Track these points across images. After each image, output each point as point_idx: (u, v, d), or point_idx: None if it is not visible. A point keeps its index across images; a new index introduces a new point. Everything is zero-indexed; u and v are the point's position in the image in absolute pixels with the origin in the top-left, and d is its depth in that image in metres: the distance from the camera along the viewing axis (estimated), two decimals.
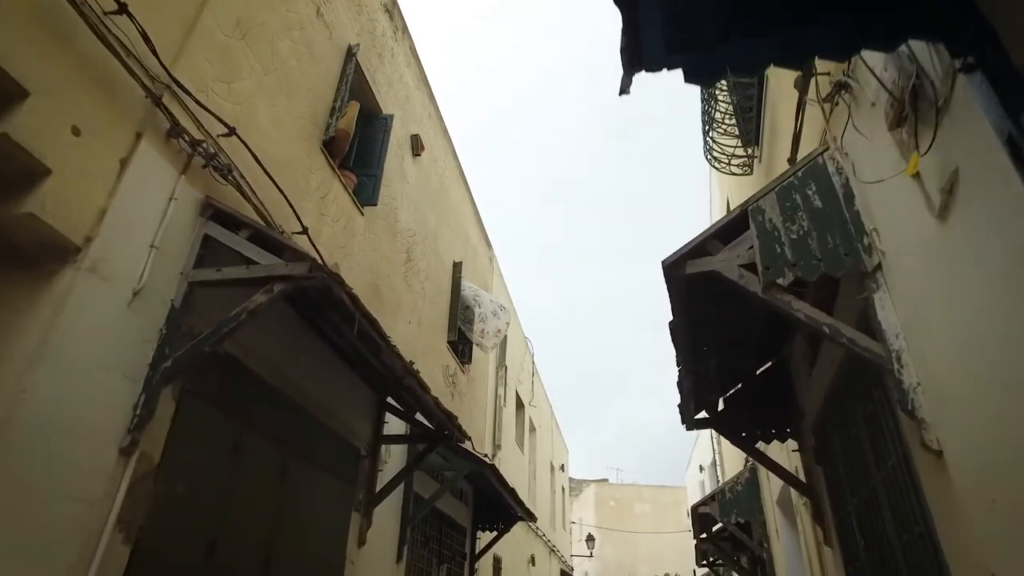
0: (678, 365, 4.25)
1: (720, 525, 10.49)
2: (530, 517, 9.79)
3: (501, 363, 12.43)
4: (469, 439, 6.57)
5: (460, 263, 9.78)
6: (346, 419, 5.76)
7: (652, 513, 29.30)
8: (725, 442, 12.74)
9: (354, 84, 6.57)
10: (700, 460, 18.95)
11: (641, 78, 1.76)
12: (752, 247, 3.09)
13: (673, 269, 3.18)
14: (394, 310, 7.13)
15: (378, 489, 6.04)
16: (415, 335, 7.77)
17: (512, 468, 12.75)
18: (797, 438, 5.12)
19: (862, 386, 3.34)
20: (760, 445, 5.43)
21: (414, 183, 8.12)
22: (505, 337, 12.53)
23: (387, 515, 6.46)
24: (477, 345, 9.87)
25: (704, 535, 10.39)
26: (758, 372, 5.38)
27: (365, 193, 6.61)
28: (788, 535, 6.94)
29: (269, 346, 4.53)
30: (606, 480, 33.98)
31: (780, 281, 2.93)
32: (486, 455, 10.20)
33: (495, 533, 9.70)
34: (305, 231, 4.96)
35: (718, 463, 15.16)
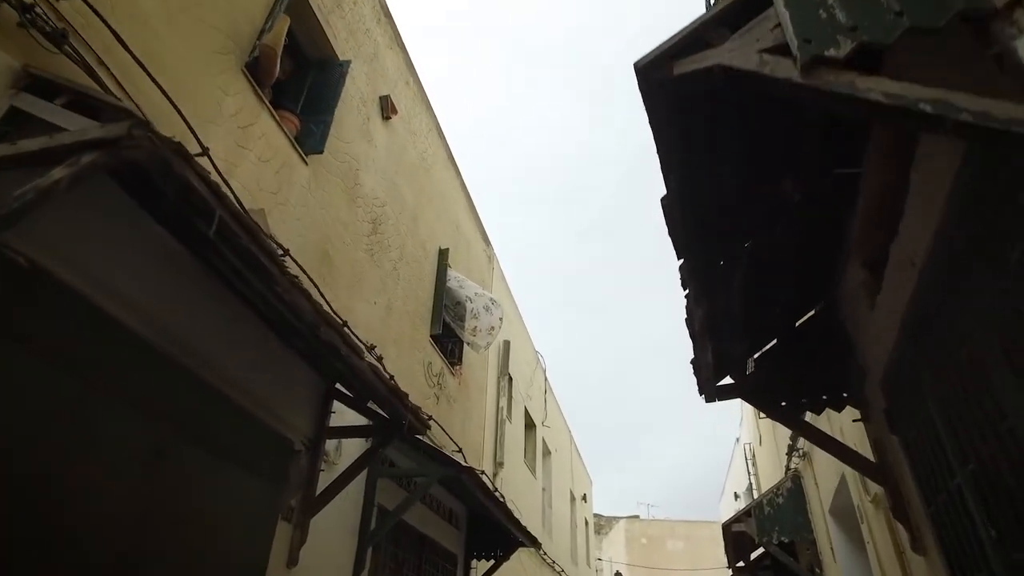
0: (683, 284, 2.99)
1: (760, 551, 8.92)
2: (532, 542, 8.36)
3: (504, 372, 11.15)
4: (427, 427, 5.31)
5: (447, 250, 8.66)
6: (274, 402, 4.57)
7: (686, 550, 27.09)
8: (763, 458, 11.17)
9: (300, 18, 5.63)
10: (735, 487, 17.19)
11: None
12: (779, 24, 1.89)
13: (651, 72, 1.98)
14: (351, 284, 5.99)
15: (320, 493, 4.80)
16: (382, 319, 6.61)
17: (520, 491, 11.32)
18: (858, 405, 3.77)
19: (996, 234, 2.00)
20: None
21: (383, 149, 7.09)
22: (507, 344, 11.30)
23: (336, 530, 5.19)
24: (469, 344, 8.67)
25: (741, 564, 8.82)
26: (797, 324, 4.07)
27: (311, 141, 5.57)
28: (849, 552, 5.47)
29: (143, 287, 3.40)
30: (637, 517, 31.87)
31: (832, 53, 1.72)
32: (482, 471, 8.86)
33: (492, 562, 8.28)
34: (205, 152, 3.87)
35: (754, 487, 13.49)
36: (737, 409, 17.48)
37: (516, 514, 9.83)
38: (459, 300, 8.61)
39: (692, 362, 3.75)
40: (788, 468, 7.18)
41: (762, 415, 9.38)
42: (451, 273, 8.58)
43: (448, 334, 8.70)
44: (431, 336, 7.91)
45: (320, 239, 5.53)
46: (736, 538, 7.32)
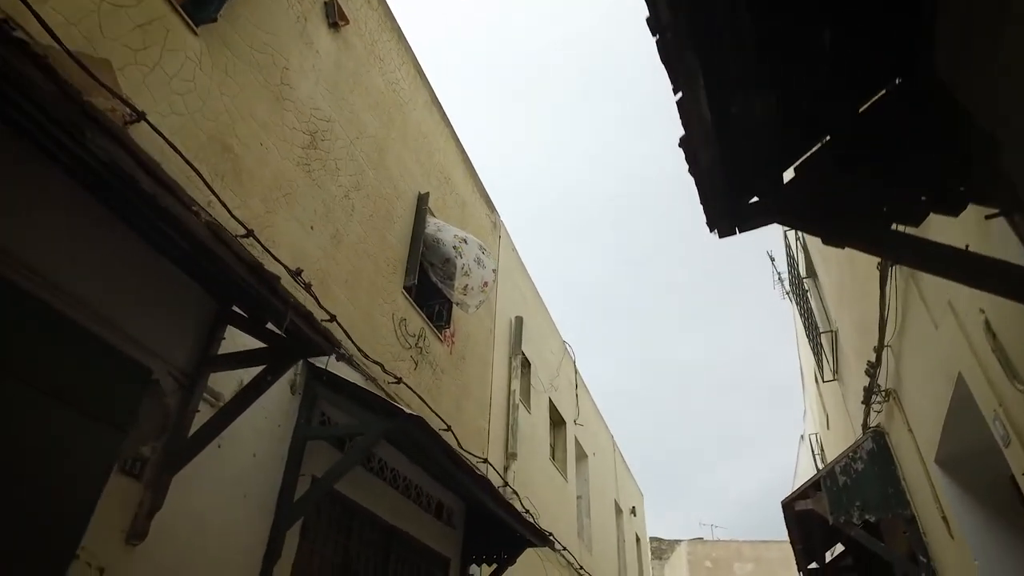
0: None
1: (839, 550, 7.06)
2: (541, 540, 6.75)
3: (516, 351, 9.66)
4: (336, 347, 3.88)
5: (427, 194, 7.36)
6: (125, 316, 3.30)
7: (756, 573, 24.36)
8: (833, 443, 9.23)
9: None
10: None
11: None
12: None
13: None
14: (271, 195, 4.72)
15: (188, 440, 3.44)
16: (325, 250, 5.31)
17: (543, 491, 9.70)
18: (988, 196, 2.16)
19: None
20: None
21: (328, 60, 5.89)
22: (520, 320, 9.85)
23: (231, 500, 3.82)
24: (458, 305, 7.28)
25: (815, 566, 6.97)
26: (861, 111, 2.51)
27: (204, 10, 4.40)
28: (981, 520, 3.70)
29: None
30: (700, 539, 29.23)
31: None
32: (484, 460, 7.37)
33: (495, 567, 6.70)
34: None
35: None
36: (799, 401, 15.43)
37: (534, 515, 8.24)
38: (448, 257, 7.26)
39: (691, 171, 2.27)
40: (865, 424, 5.40)
41: (826, 378, 7.59)
42: (433, 220, 7.26)
43: (435, 295, 7.35)
44: (404, 288, 6.56)
45: (218, 128, 4.30)
46: (802, 519, 5.55)
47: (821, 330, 6.90)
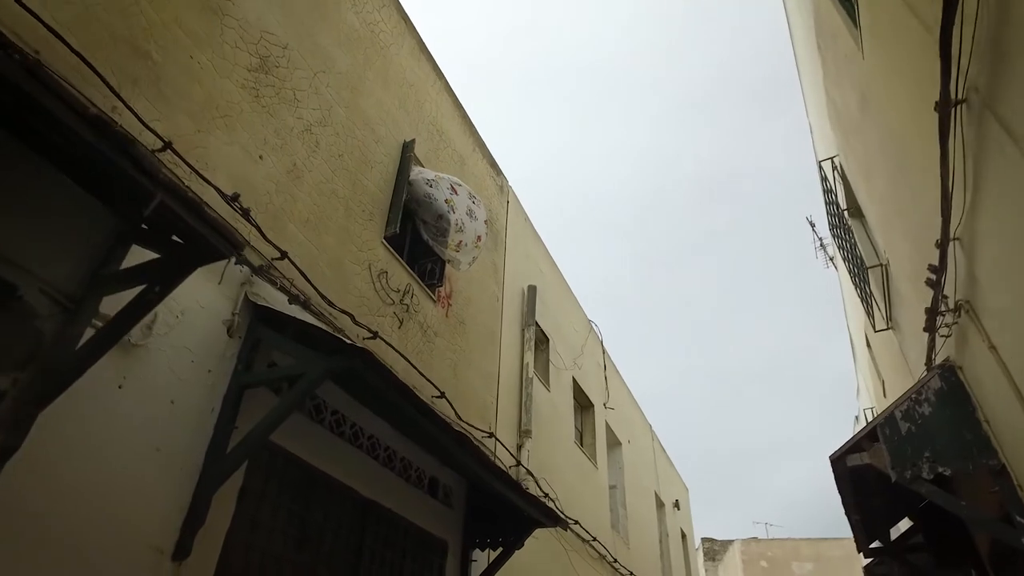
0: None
1: (906, 526, 6.04)
2: (552, 520, 5.91)
3: (529, 322, 8.86)
4: (237, 247, 3.12)
5: (412, 142, 6.67)
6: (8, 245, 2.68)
7: (816, 573, 22.72)
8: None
9: None
10: None
11: None
12: None
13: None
14: (197, 110, 4.09)
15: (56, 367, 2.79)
16: (277, 183, 4.66)
17: (566, 475, 8.85)
18: None
19: None
20: None
21: None
22: (533, 289, 9.07)
23: (137, 453, 3.15)
24: (450, 262, 6.56)
25: (877, 544, 5.95)
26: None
27: None
28: None
29: None
30: (754, 538, 27.65)
31: None
32: (490, 434, 6.60)
33: (500, 551, 5.89)
34: None
35: None
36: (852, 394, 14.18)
37: (555, 499, 7.41)
38: (440, 213, 6.56)
39: None
40: (930, 358, 4.40)
41: (879, 327, 6.55)
42: (418, 169, 6.56)
43: (428, 253, 6.65)
44: (385, 238, 5.87)
45: (129, 30, 3.69)
46: (857, 481, 4.56)
47: (868, 265, 5.89)
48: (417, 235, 6.63)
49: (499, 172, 9.34)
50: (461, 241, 6.71)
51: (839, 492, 4.70)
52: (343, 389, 4.46)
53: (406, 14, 7.36)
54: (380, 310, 5.53)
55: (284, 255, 4.34)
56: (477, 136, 8.77)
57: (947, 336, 4.01)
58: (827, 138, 6.97)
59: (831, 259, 13.33)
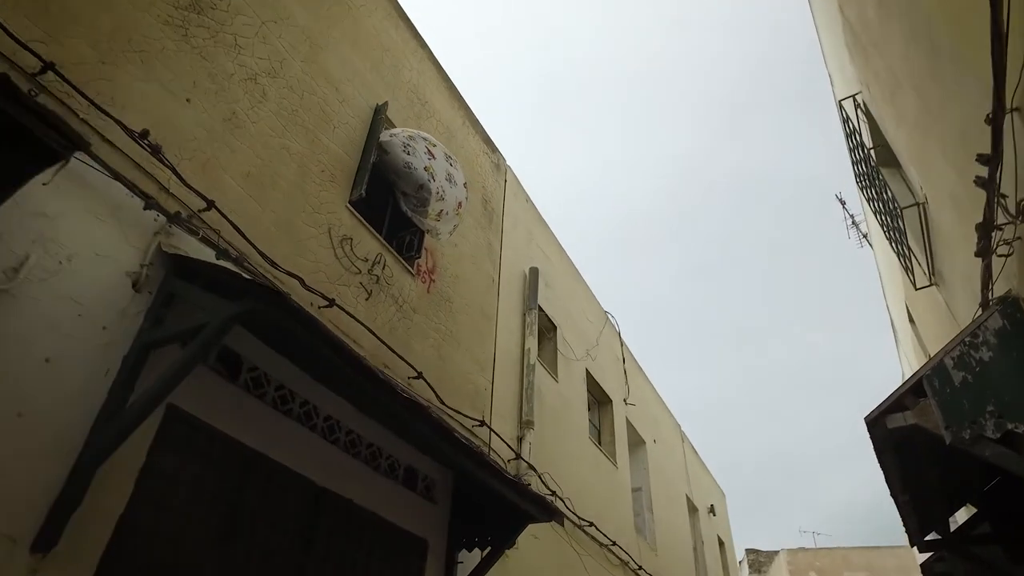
0: None
1: (967, 514, 5.16)
2: (545, 513, 5.19)
3: (531, 306, 8.18)
4: (68, 144, 2.52)
5: (384, 104, 6.12)
6: None
7: None
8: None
9: None
10: None
11: None
12: None
13: None
14: (102, 39, 3.59)
15: None
16: (210, 129, 4.13)
17: (578, 471, 8.09)
18: None
19: None
20: None
21: None
22: (535, 272, 8.42)
23: None
24: (429, 232, 5.97)
25: (934, 536, 5.08)
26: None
27: None
28: None
29: None
30: (801, 548, 26.14)
31: None
32: (480, 422, 5.94)
33: (488, 550, 5.18)
34: None
35: None
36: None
37: (565, 498, 6.67)
38: (421, 183, 5.97)
39: None
40: (986, 292, 3.59)
41: (920, 284, 5.70)
42: (393, 131, 5.99)
43: (407, 224, 6.07)
44: (351, 203, 5.30)
45: None
46: (902, 450, 3.72)
47: (903, 205, 5.08)
48: (398, 208, 6.05)
49: (494, 149, 8.74)
50: (442, 210, 6.11)
51: (881, 465, 3.87)
52: (271, 347, 3.84)
53: None
54: (342, 278, 4.94)
55: (211, 204, 3.80)
56: (468, 111, 8.21)
57: (1007, 255, 3.21)
58: (847, 80, 6.19)
59: (864, 236, 12.37)
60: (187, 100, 4.04)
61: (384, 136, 5.73)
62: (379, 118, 5.98)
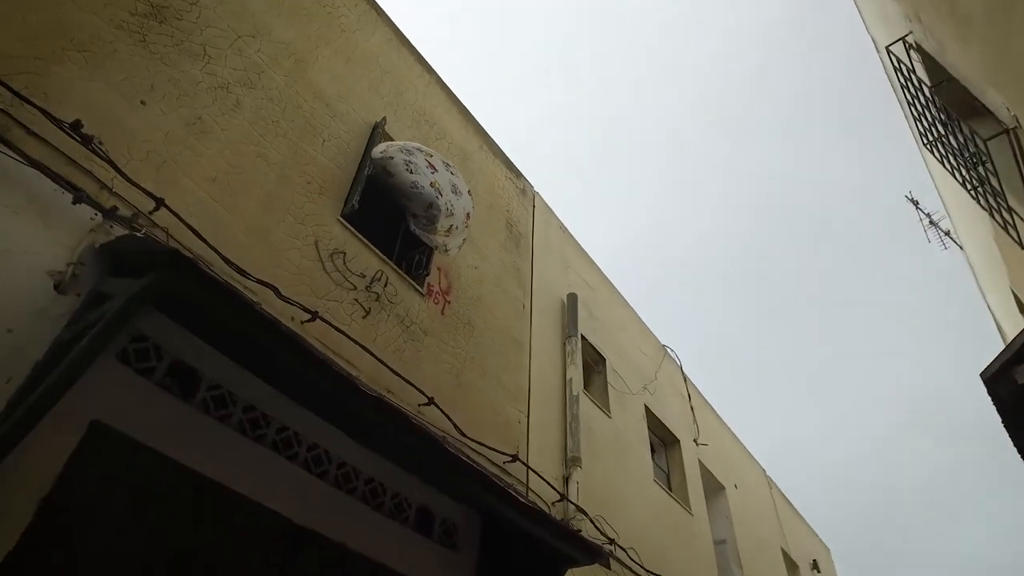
0: None
1: None
2: (587, 553, 4.26)
3: (570, 333, 7.41)
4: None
5: (382, 120, 5.79)
6: None
7: None
8: None
9: None
10: None
11: None
12: None
13: None
14: (37, 35, 3.36)
15: None
16: (167, 131, 3.81)
17: (642, 517, 7.02)
18: None
19: None
20: None
21: None
22: (574, 297, 7.74)
23: None
24: (437, 248, 5.47)
25: None
26: None
27: None
28: None
29: None
30: None
31: None
32: (513, 457, 5.18)
33: None
34: None
35: None
36: None
37: (630, 549, 5.68)
38: (430, 201, 5.53)
39: None
40: None
41: None
42: (387, 145, 5.59)
43: (416, 243, 5.58)
44: (343, 216, 4.86)
45: None
46: None
47: (987, 137, 4.16)
48: (407, 228, 5.59)
49: (519, 175, 8.29)
50: (452, 225, 5.62)
51: (1007, 430, 2.85)
52: (201, 337, 3.25)
53: (379, 6, 6.73)
54: (331, 293, 4.42)
55: (160, 202, 3.39)
56: (486, 136, 7.84)
57: None
58: (891, 23, 5.41)
59: (947, 234, 11.04)
60: (141, 102, 3.74)
61: (376, 153, 5.32)
62: (376, 133, 5.63)
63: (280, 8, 5.30)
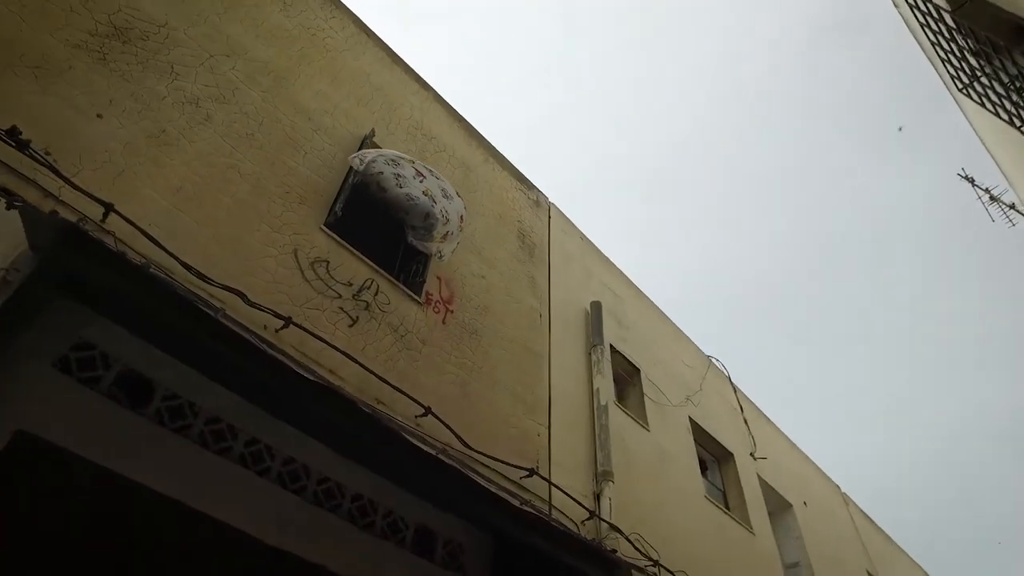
0: None
1: None
2: (601, 566, 3.72)
3: (595, 342, 6.93)
4: None
5: (371, 132, 5.66)
6: None
7: None
8: None
9: None
10: None
11: None
12: None
13: None
14: (8, 58, 3.32)
15: None
16: (126, 143, 3.72)
17: (690, 536, 6.35)
18: None
19: None
20: None
21: None
22: (598, 305, 7.33)
23: None
24: (434, 255, 5.23)
25: None
26: None
27: None
28: None
29: None
30: None
31: None
32: (532, 471, 4.76)
33: None
34: None
35: None
36: None
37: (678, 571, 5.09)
38: (427, 211, 5.35)
39: None
40: None
41: None
42: (364, 153, 5.40)
43: (412, 252, 5.34)
44: (326, 225, 4.65)
45: None
46: None
47: None
48: (403, 240, 5.37)
49: (531, 187, 8.02)
50: (448, 231, 5.37)
51: None
52: (147, 339, 3.00)
53: (368, 28, 6.71)
54: (312, 301, 4.17)
55: (110, 208, 3.23)
56: (492, 149, 7.65)
57: None
58: None
59: (1011, 207, 10.09)
60: (98, 115, 3.67)
61: (355, 162, 5.09)
62: (365, 145, 5.48)
63: (258, 31, 5.28)
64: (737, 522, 7.65)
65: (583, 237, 8.65)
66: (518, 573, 4.04)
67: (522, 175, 7.99)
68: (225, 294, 3.55)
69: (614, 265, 8.97)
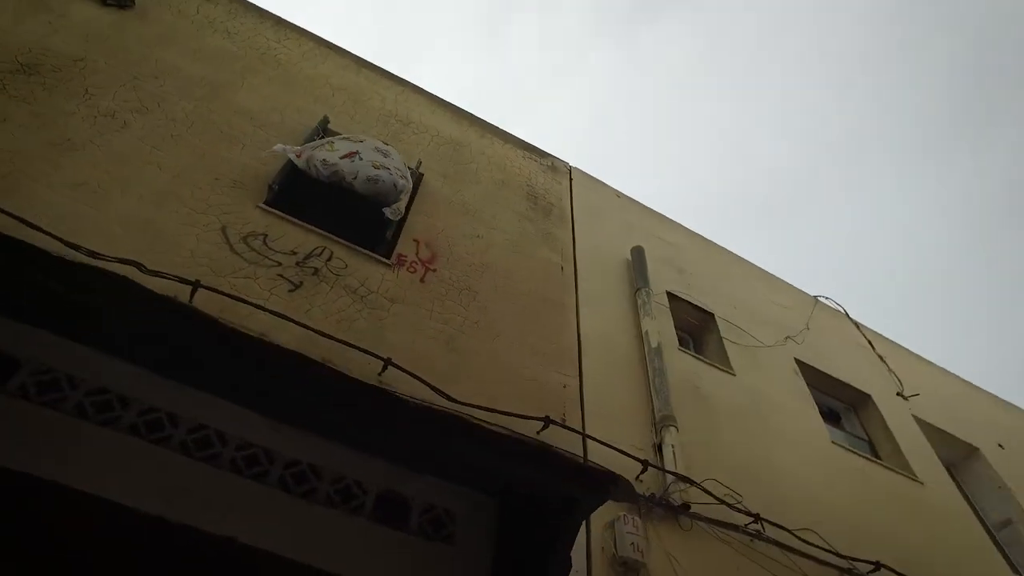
0: None
1: None
2: (596, 487, 2.75)
3: (639, 286, 5.96)
4: None
5: (324, 119, 5.42)
6: None
7: None
8: None
9: None
10: None
11: None
12: None
13: None
14: None
15: None
16: (16, 151, 3.62)
17: (827, 492, 5.01)
18: None
19: None
20: None
21: (92, 25, 4.93)
22: (640, 251, 6.47)
23: None
24: (395, 215, 4.78)
25: None
26: None
27: None
28: None
29: None
30: None
31: None
32: (560, 421, 3.95)
33: None
34: None
35: None
36: None
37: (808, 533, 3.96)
38: (392, 182, 4.94)
39: None
40: None
41: None
42: (316, 144, 5.08)
43: (372, 215, 4.90)
44: (266, 204, 4.33)
45: None
46: None
47: None
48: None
49: (544, 154, 7.42)
50: (405, 187, 4.91)
51: None
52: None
53: (328, 42, 6.66)
54: (242, 271, 3.78)
55: None
56: (489, 126, 7.19)
57: None
58: None
59: None
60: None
61: (300, 162, 4.72)
62: (316, 132, 5.22)
63: (196, 55, 5.30)
64: (891, 470, 6.04)
65: (619, 195, 7.80)
66: (525, 539, 3.16)
67: (531, 145, 7.42)
68: (117, 264, 3.24)
69: (666, 217, 7.98)
